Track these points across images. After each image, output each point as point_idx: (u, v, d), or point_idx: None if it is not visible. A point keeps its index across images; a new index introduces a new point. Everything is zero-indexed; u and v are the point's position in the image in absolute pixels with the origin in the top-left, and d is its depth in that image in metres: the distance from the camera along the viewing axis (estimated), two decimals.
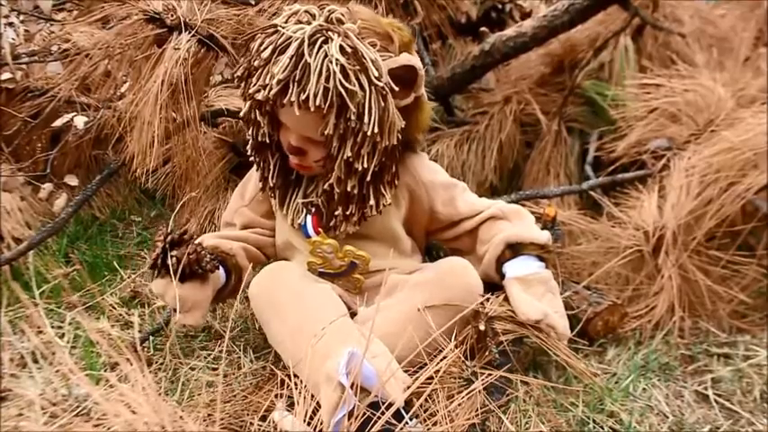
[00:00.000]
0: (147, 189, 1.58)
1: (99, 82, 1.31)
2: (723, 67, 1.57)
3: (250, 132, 0.97)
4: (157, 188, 1.42)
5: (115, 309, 1.17)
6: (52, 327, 1.09)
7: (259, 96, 0.88)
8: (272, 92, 0.86)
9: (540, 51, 1.74)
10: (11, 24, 1.34)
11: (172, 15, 1.08)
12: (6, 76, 1.36)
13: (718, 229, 1.17)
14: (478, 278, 1.02)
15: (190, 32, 1.08)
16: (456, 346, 0.95)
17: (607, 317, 1.15)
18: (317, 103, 0.85)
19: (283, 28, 0.87)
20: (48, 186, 1.28)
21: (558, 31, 1.62)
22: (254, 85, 0.88)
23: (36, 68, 1.44)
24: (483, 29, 1.85)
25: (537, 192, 1.29)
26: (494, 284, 1.07)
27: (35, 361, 1.02)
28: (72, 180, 1.30)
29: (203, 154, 1.31)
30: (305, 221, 1.01)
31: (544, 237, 1.04)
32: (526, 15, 2.01)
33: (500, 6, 2.04)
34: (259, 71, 0.88)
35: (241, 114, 0.95)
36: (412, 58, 0.93)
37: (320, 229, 1.00)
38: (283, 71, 0.85)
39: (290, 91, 0.86)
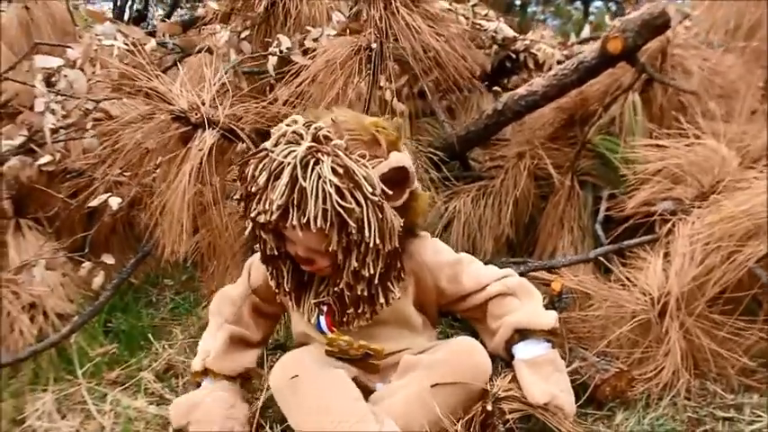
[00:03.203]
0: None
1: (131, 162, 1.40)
2: (730, 117, 1.61)
3: (258, 247, 1.03)
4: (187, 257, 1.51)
5: (151, 384, 1.25)
6: (94, 405, 1.18)
7: (261, 219, 0.94)
8: (273, 216, 0.92)
9: (552, 105, 1.79)
10: (53, 111, 1.44)
11: (196, 114, 1.17)
12: (47, 159, 1.46)
13: (721, 296, 1.21)
14: (487, 357, 1.07)
15: (213, 129, 1.16)
16: (463, 426, 1.01)
17: (615, 382, 1.20)
18: (318, 224, 0.90)
19: (272, 152, 0.92)
20: (87, 265, 1.38)
21: (567, 89, 1.68)
22: (255, 210, 0.94)
23: (73, 144, 1.55)
24: (496, 88, 1.91)
25: (545, 263, 1.35)
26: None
27: None
28: (109, 258, 1.39)
29: (229, 226, 1.39)
30: (318, 320, 1.08)
31: (551, 321, 1.08)
32: (539, 64, 2.07)
33: (514, 56, 2.10)
34: (258, 197, 0.93)
35: (245, 234, 1.01)
36: (401, 158, 0.98)
37: (334, 327, 1.07)
38: (281, 197, 0.90)
39: (290, 216, 0.91)
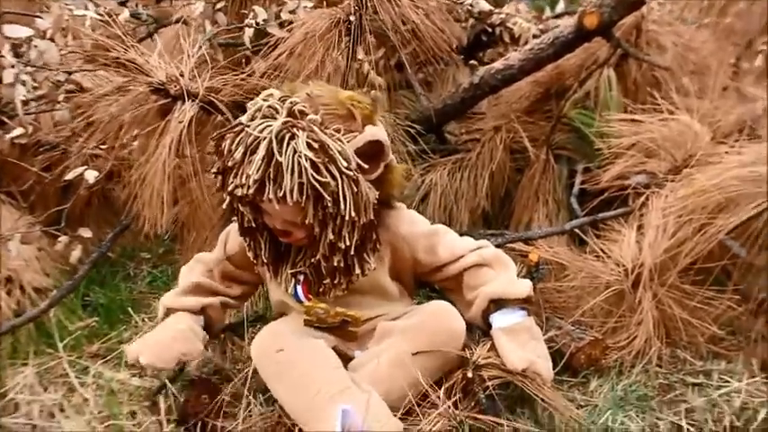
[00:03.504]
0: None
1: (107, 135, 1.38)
2: (703, 93, 1.64)
3: (236, 219, 1.04)
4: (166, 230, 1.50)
5: None
6: (77, 378, 1.18)
7: (238, 193, 0.95)
8: (250, 190, 0.93)
9: (529, 79, 1.80)
10: (23, 83, 1.41)
11: (175, 86, 1.16)
12: (19, 131, 1.43)
13: (692, 267, 1.25)
14: (462, 321, 1.09)
15: (193, 101, 1.15)
16: (445, 393, 1.04)
17: (589, 351, 1.23)
18: (294, 198, 0.92)
19: (248, 126, 0.93)
20: (64, 239, 1.36)
21: (543, 63, 1.69)
22: (232, 184, 0.95)
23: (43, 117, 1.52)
24: (473, 62, 1.92)
25: (521, 235, 1.37)
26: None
27: (62, 410, 1.12)
28: (86, 232, 1.38)
29: (207, 197, 1.38)
30: (295, 289, 1.09)
31: (525, 290, 1.11)
32: (515, 38, 2.08)
33: (490, 30, 2.10)
34: (234, 171, 0.94)
35: (223, 206, 1.02)
36: (376, 132, 1.00)
37: (311, 296, 1.09)
38: (257, 171, 0.91)
39: (266, 190, 0.92)
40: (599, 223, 1.42)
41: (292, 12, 1.61)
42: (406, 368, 1.04)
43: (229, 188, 0.97)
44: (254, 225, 1.04)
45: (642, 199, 1.37)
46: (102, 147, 1.44)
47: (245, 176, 0.93)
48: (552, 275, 1.37)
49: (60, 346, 1.24)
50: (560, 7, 2.37)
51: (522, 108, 1.81)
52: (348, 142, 0.96)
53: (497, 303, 1.12)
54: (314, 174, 0.92)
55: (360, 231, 1.01)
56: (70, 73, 1.46)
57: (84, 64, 1.44)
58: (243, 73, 1.26)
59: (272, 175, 0.92)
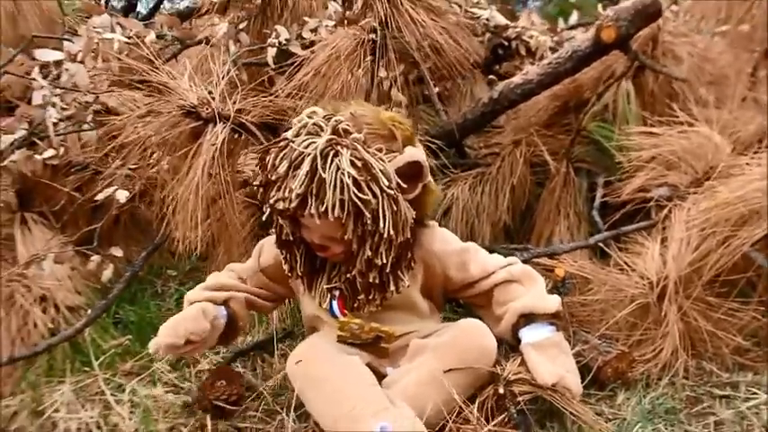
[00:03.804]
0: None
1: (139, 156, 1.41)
2: (721, 104, 1.65)
3: (274, 231, 1.07)
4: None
5: (165, 374, 1.28)
6: (112, 395, 1.20)
7: (279, 207, 0.97)
8: (293, 204, 0.95)
9: (547, 93, 1.82)
10: (53, 105, 1.44)
11: (207, 108, 1.18)
12: (50, 153, 1.46)
13: (717, 279, 1.26)
14: (493, 338, 1.11)
15: (224, 123, 1.18)
16: (477, 409, 1.06)
17: (616, 364, 1.24)
18: (336, 214, 0.94)
19: (293, 142, 0.95)
20: (96, 258, 1.39)
21: (561, 77, 1.71)
22: (274, 197, 0.97)
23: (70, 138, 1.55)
24: (491, 77, 1.94)
25: (547, 250, 1.39)
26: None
27: (99, 428, 1.14)
28: (117, 251, 1.41)
29: (236, 215, 1.41)
30: (331, 305, 1.11)
31: (554, 305, 1.13)
32: (531, 51, 2.10)
33: (506, 43, 2.13)
34: (277, 185, 0.96)
35: (263, 218, 1.04)
36: (415, 153, 1.02)
37: (346, 311, 1.11)
38: (301, 186, 0.94)
39: (308, 204, 0.94)
40: (622, 236, 1.43)
41: (314, 30, 1.64)
42: (439, 385, 1.05)
43: (271, 201, 0.99)
44: (291, 238, 1.06)
45: (665, 212, 1.39)
46: (132, 167, 1.47)
47: (287, 190, 0.95)
48: (576, 289, 1.38)
49: (95, 364, 1.26)
50: (574, 18, 2.39)
51: (541, 121, 1.83)
52: (389, 162, 0.99)
53: (527, 318, 1.14)
54: (356, 191, 0.94)
55: (396, 249, 1.03)
56: (98, 95, 1.50)
57: (113, 86, 1.48)
58: (270, 94, 1.28)
59: (314, 191, 0.94)
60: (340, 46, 1.37)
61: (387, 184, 0.96)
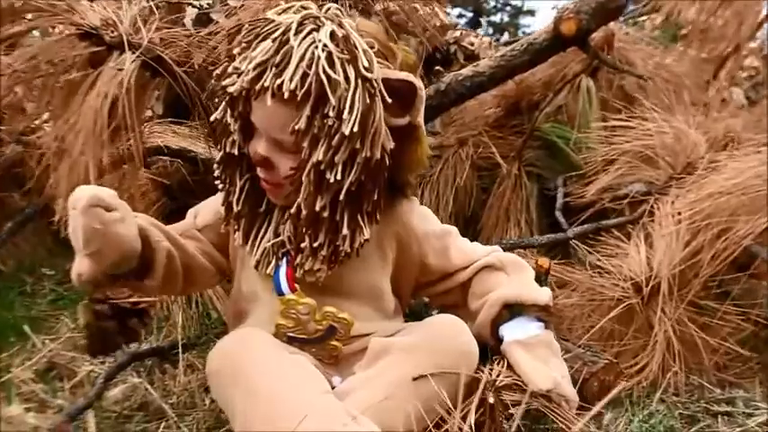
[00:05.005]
0: (60, 237, 1.36)
1: (12, 109, 1.10)
2: (674, 112, 1.56)
3: (220, 142, 0.84)
4: None
5: (28, 384, 0.95)
6: None
7: (232, 88, 0.77)
8: (248, 77, 0.75)
9: (494, 93, 1.67)
10: None
11: (112, 31, 0.91)
12: None
13: (715, 278, 1.10)
14: (472, 337, 0.88)
15: (133, 52, 0.91)
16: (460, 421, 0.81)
17: (603, 376, 1.04)
18: (293, 87, 0.73)
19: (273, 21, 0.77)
20: None
21: (516, 72, 1.55)
22: (229, 74, 0.78)
23: None
24: (438, 68, 1.77)
25: (521, 241, 1.19)
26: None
27: None
28: None
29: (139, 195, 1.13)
30: (277, 272, 0.85)
31: (545, 297, 0.93)
32: (471, 57, 1.95)
33: (445, 48, 1.97)
34: (239, 58, 0.78)
35: (212, 118, 0.82)
36: (413, 78, 0.81)
37: (297, 286, 0.84)
38: (263, 54, 0.75)
39: (265, 76, 0.75)
40: (600, 232, 1.26)
41: None
42: (411, 395, 0.80)
43: (224, 81, 0.78)
44: (236, 152, 0.82)
45: (645, 207, 1.23)
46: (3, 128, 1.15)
47: (246, 61, 0.76)
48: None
49: None
50: (505, 38, 2.30)
51: (490, 122, 1.67)
52: (380, 68, 0.78)
53: (512, 310, 0.92)
54: (325, 66, 0.74)
55: (358, 171, 0.79)
56: None
57: None
58: (200, 31, 1.02)
59: (276, 62, 0.75)
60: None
61: (366, 66, 0.76)
